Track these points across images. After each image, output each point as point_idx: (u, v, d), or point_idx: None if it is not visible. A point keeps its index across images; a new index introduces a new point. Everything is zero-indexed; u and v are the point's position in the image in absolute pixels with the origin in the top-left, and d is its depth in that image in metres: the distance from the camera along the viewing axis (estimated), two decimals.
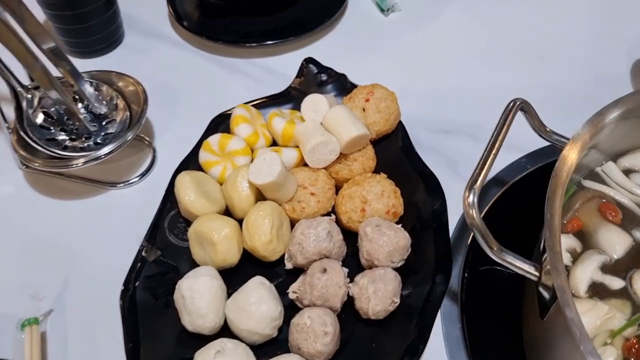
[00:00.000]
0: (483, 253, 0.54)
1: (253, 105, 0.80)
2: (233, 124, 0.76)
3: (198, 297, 0.60)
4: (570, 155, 0.56)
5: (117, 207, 0.77)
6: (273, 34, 0.94)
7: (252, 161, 0.73)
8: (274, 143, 0.77)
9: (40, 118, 0.77)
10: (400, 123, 0.78)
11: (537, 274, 0.53)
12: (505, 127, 0.59)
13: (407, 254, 0.65)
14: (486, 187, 0.75)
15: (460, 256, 0.70)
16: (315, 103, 0.75)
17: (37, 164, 0.74)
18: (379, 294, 0.60)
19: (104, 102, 0.80)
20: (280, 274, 0.68)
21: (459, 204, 0.71)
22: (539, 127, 0.63)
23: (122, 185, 0.79)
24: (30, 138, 0.74)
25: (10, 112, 0.76)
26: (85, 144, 0.77)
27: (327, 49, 0.96)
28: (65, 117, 0.78)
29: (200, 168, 0.75)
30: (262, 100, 0.82)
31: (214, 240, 0.64)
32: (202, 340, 0.61)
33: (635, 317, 0.54)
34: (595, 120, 0.59)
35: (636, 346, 0.53)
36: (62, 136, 0.77)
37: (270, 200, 0.69)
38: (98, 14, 0.90)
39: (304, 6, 1.00)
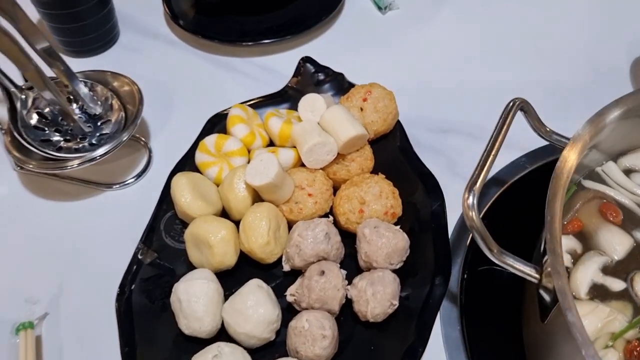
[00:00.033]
0: (482, 253, 0.53)
1: (249, 105, 0.79)
2: (229, 124, 0.75)
3: (194, 301, 0.60)
4: (571, 156, 0.55)
5: (112, 209, 0.76)
6: (270, 32, 0.93)
7: (248, 162, 0.72)
8: (271, 143, 0.76)
9: (34, 119, 0.76)
10: (398, 122, 0.78)
11: (537, 276, 0.52)
12: (505, 127, 0.59)
13: (405, 256, 0.65)
14: (485, 186, 0.75)
15: (459, 257, 0.69)
16: (312, 103, 0.74)
17: (31, 166, 0.73)
18: (377, 296, 0.60)
19: (99, 103, 0.79)
20: (278, 276, 0.67)
21: (458, 204, 0.71)
22: (538, 127, 0.63)
23: (117, 186, 0.78)
24: (25, 139, 0.73)
25: (3, 113, 0.75)
26: (80, 145, 0.76)
27: (324, 47, 0.95)
28: (60, 118, 0.77)
29: (196, 169, 0.74)
30: (258, 100, 0.81)
31: (211, 242, 0.63)
32: (199, 343, 0.61)
33: (636, 319, 0.54)
34: (596, 120, 0.58)
35: (638, 349, 0.52)
36: (56, 137, 0.76)
37: (267, 201, 0.68)
38: (93, 13, 0.89)
39: (301, 4, 0.99)
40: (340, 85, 0.83)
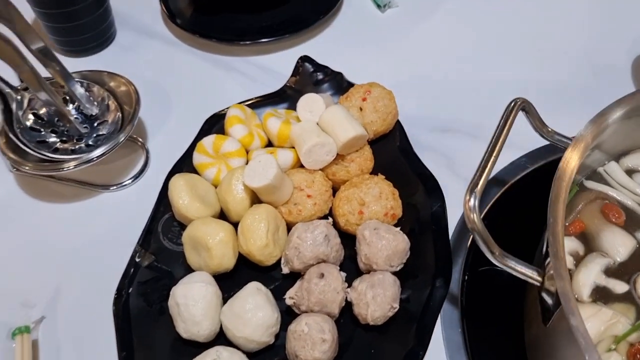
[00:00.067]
0: (483, 254, 0.53)
1: (248, 105, 0.79)
2: (227, 124, 0.74)
3: (193, 304, 0.59)
4: (573, 157, 0.54)
5: (109, 211, 0.75)
6: (268, 31, 0.93)
7: (247, 163, 0.72)
8: (269, 144, 0.76)
9: (30, 120, 0.75)
10: (398, 122, 0.77)
11: (539, 279, 0.52)
12: (506, 128, 0.58)
13: (406, 258, 0.64)
14: (486, 187, 0.73)
15: (460, 258, 0.69)
16: (311, 103, 0.73)
17: (27, 168, 0.72)
18: (377, 299, 0.59)
19: (95, 103, 0.78)
20: (277, 279, 0.66)
21: (458, 204, 0.70)
22: (540, 128, 0.62)
23: (114, 187, 0.77)
24: (20, 141, 0.72)
25: None
26: (77, 146, 0.75)
27: (322, 46, 0.94)
28: (56, 119, 0.76)
29: (194, 170, 0.73)
30: (256, 100, 0.81)
31: (209, 245, 0.63)
32: (197, 347, 0.60)
33: (639, 322, 0.53)
34: (598, 120, 0.58)
35: None
36: (52, 138, 0.75)
37: (266, 203, 0.67)
38: (89, 12, 0.88)
39: (299, 3, 0.98)
40: (339, 84, 0.82)
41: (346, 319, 0.63)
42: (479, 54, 0.93)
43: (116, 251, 0.68)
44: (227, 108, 0.77)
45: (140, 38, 0.97)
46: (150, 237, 0.69)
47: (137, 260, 0.66)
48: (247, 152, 0.74)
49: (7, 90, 0.73)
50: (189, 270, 0.66)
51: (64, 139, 0.75)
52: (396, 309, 0.60)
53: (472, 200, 0.53)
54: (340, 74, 0.82)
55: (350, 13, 1.00)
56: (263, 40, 0.91)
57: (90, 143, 0.76)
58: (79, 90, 0.77)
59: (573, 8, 0.99)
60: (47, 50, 0.73)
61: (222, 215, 0.70)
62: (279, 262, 0.66)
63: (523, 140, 0.74)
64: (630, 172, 0.64)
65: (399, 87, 0.78)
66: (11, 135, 0.72)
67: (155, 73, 0.91)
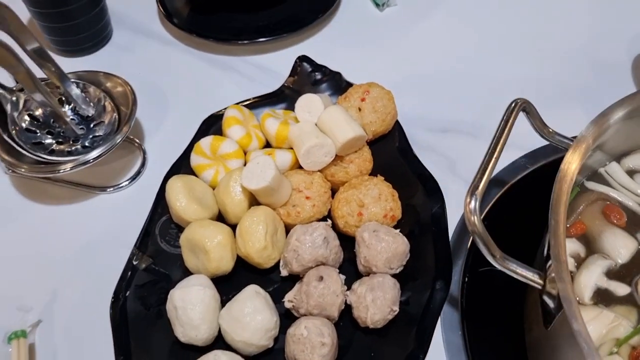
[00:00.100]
0: (484, 256, 0.52)
1: (245, 106, 0.78)
2: (225, 125, 0.74)
3: (191, 308, 0.59)
4: (574, 159, 0.54)
5: (106, 213, 0.74)
6: (266, 30, 0.92)
7: (245, 164, 0.71)
8: (268, 144, 0.75)
9: (25, 121, 0.74)
10: (397, 123, 0.76)
11: (541, 282, 0.51)
12: (507, 129, 0.57)
13: (405, 260, 0.64)
14: (486, 187, 0.74)
15: (460, 260, 0.68)
16: (309, 103, 0.73)
17: (23, 170, 0.71)
18: (377, 302, 0.59)
19: (92, 104, 0.77)
20: (276, 281, 0.66)
21: (458, 205, 0.71)
22: (540, 128, 0.61)
23: (111, 189, 0.76)
24: (16, 142, 0.71)
25: None
26: (73, 148, 0.75)
27: (321, 45, 0.94)
28: (52, 120, 0.76)
29: (191, 171, 0.73)
30: (254, 100, 0.80)
31: (207, 247, 0.62)
32: (195, 351, 0.60)
33: None
34: (600, 121, 0.57)
35: None
36: (48, 140, 0.74)
37: (264, 204, 0.67)
38: (84, 12, 0.87)
39: (296, 2, 0.97)
40: (337, 84, 0.81)
41: (346, 321, 0.62)
42: (478, 53, 0.92)
43: (113, 253, 0.67)
44: (225, 108, 0.76)
45: (137, 38, 0.96)
46: (148, 240, 0.68)
47: (135, 263, 0.66)
48: (245, 153, 0.73)
49: (1, 91, 0.72)
50: (187, 273, 0.65)
51: (60, 140, 0.75)
52: (396, 312, 0.60)
53: (472, 202, 0.52)
54: (338, 73, 0.82)
55: (348, 12, 0.99)
56: (260, 39, 0.90)
57: (87, 144, 0.75)
58: (75, 91, 0.76)
59: (573, 8, 0.98)
60: (42, 51, 0.72)
61: (220, 217, 0.69)
62: (277, 264, 0.65)
63: (523, 140, 0.73)
64: (631, 173, 0.63)
65: (397, 86, 0.77)
66: (6, 137, 0.71)
67: (152, 73, 0.90)
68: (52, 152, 0.73)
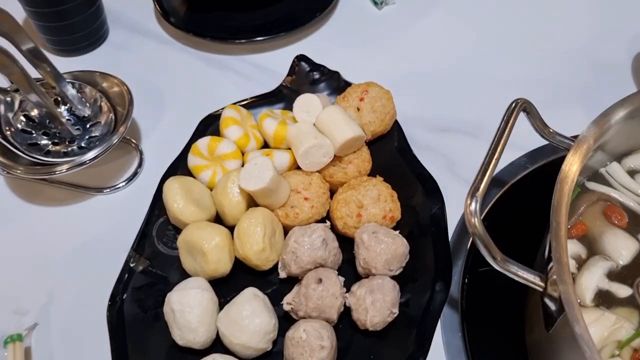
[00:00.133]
0: (484, 257, 0.51)
1: (243, 105, 0.77)
2: (222, 125, 0.73)
3: (188, 311, 0.58)
4: (576, 160, 0.53)
5: (103, 214, 0.74)
6: (263, 29, 0.91)
7: (243, 165, 0.71)
8: (265, 145, 0.74)
9: (21, 122, 0.74)
10: (396, 122, 0.76)
11: (542, 284, 0.51)
12: (507, 129, 0.57)
13: (405, 262, 0.63)
14: None
15: (459, 260, 0.68)
16: (307, 103, 0.72)
17: (19, 171, 0.70)
18: (377, 305, 0.58)
19: (88, 104, 0.77)
20: (274, 283, 0.65)
21: (457, 205, 0.70)
22: (541, 129, 0.61)
23: (108, 190, 0.76)
24: (11, 144, 0.70)
25: None
26: (69, 149, 0.74)
27: (319, 44, 0.93)
28: (47, 121, 0.75)
29: (189, 172, 0.72)
30: (252, 100, 0.79)
31: (205, 249, 0.61)
32: (193, 354, 0.59)
33: None
34: (601, 121, 0.56)
35: None
36: (44, 140, 0.74)
37: (262, 206, 0.66)
38: (80, 11, 0.87)
39: (294, 0, 0.96)
40: (336, 84, 0.80)
41: (345, 324, 0.62)
42: (477, 52, 0.92)
43: (110, 255, 0.67)
44: (222, 108, 0.76)
45: (133, 37, 0.95)
46: (145, 242, 0.67)
47: (132, 265, 0.65)
48: (243, 153, 0.72)
49: None
50: (185, 275, 0.65)
51: (56, 141, 0.74)
52: (396, 314, 0.59)
53: (473, 204, 0.51)
54: (337, 73, 0.81)
55: (346, 10, 0.99)
56: (258, 38, 0.90)
57: (83, 145, 0.74)
58: (71, 91, 0.76)
59: (572, 7, 0.98)
60: (37, 51, 0.72)
61: (218, 219, 0.68)
62: (276, 266, 0.65)
63: (523, 139, 0.72)
64: (632, 173, 0.63)
65: (396, 86, 0.76)
66: (1, 139, 0.70)
67: (149, 72, 0.89)
68: (48, 153, 0.72)
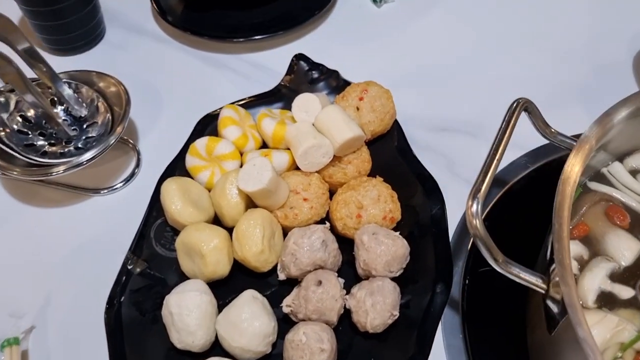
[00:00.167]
0: (484, 257, 0.51)
1: (241, 105, 0.77)
2: (220, 126, 0.72)
3: (187, 314, 0.57)
4: (577, 161, 0.53)
5: (100, 215, 0.73)
6: (261, 28, 0.90)
7: (241, 165, 0.70)
8: (264, 145, 0.74)
9: (17, 123, 0.73)
10: (395, 122, 0.75)
11: (544, 286, 0.50)
12: (509, 129, 0.56)
13: (405, 263, 0.63)
14: None
15: (460, 260, 0.67)
16: (306, 103, 0.71)
17: (15, 173, 0.70)
18: (377, 307, 0.57)
19: (84, 105, 0.76)
20: (273, 284, 0.65)
21: (457, 205, 0.70)
22: (543, 129, 0.60)
23: (105, 191, 0.75)
24: (7, 145, 0.70)
25: None
26: (66, 149, 0.73)
27: (317, 43, 0.92)
28: (44, 121, 0.74)
29: (187, 173, 0.71)
30: (250, 100, 0.78)
31: (203, 251, 0.61)
32: (192, 358, 0.59)
33: None
34: (603, 120, 0.56)
35: None
36: (40, 141, 0.73)
37: (261, 207, 0.65)
38: (77, 9, 0.86)
39: None
40: (335, 83, 0.80)
41: (345, 326, 0.61)
42: (477, 51, 0.91)
43: (107, 257, 0.66)
44: (221, 108, 0.75)
45: (130, 35, 0.94)
46: (143, 243, 0.67)
47: (129, 267, 0.65)
48: (242, 154, 0.72)
49: None
50: (183, 277, 0.64)
51: (53, 141, 0.74)
52: (396, 317, 0.59)
53: (474, 205, 0.51)
54: (336, 72, 0.80)
55: (345, 9, 0.98)
56: (256, 37, 0.89)
57: (80, 146, 0.74)
58: (67, 91, 0.75)
59: (572, 6, 0.97)
60: (33, 51, 0.71)
61: (216, 220, 0.68)
62: (275, 268, 0.64)
63: (523, 139, 0.72)
64: (634, 173, 0.62)
65: (395, 85, 0.76)
66: None
67: (146, 71, 0.88)
68: (44, 154, 0.71)
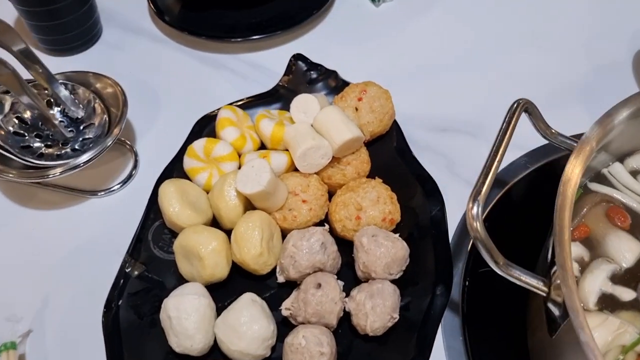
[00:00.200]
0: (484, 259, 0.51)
1: (239, 106, 0.76)
2: (218, 127, 0.72)
3: (185, 318, 0.57)
4: (578, 163, 0.52)
5: (97, 218, 0.72)
6: (259, 28, 0.90)
7: (239, 167, 0.69)
8: (262, 146, 0.73)
9: (14, 124, 0.72)
10: (394, 123, 0.75)
11: (545, 289, 0.50)
12: (509, 130, 0.56)
13: (405, 265, 0.62)
14: None
15: (460, 262, 0.67)
16: (305, 103, 0.71)
17: (11, 175, 0.69)
18: (377, 310, 0.57)
19: (81, 106, 0.75)
20: (272, 287, 0.64)
21: (458, 206, 0.69)
22: (543, 129, 0.60)
23: (102, 193, 0.74)
24: (3, 147, 0.69)
25: None
26: (62, 151, 0.73)
27: (315, 43, 0.92)
28: (40, 123, 0.74)
29: (185, 175, 0.71)
30: (248, 100, 0.78)
31: (201, 254, 0.60)
32: None
33: None
34: (604, 121, 0.55)
35: None
36: (37, 143, 0.72)
37: (259, 209, 0.65)
38: (73, 9, 0.85)
39: None
40: (333, 83, 0.79)
41: (344, 328, 0.61)
42: (477, 49, 0.90)
43: (105, 260, 0.66)
44: (218, 109, 0.74)
45: (127, 35, 0.94)
46: (141, 246, 0.66)
47: (127, 270, 0.64)
48: (240, 155, 0.71)
49: None
50: (181, 280, 0.64)
51: (49, 143, 0.73)
52: (396, 319, 0.58)
53: (475, 208, 0.50)
54: (334, 72, 0.80)
55: (343, 8, 0.97)
56: (254, 37, 0.88)
57: (77, 147, 0.73)
58: (64, 92, 0.74)
59: (572, 6, 0.96)
60: (28, 52, 0.70)
61: (215, 223, 0.67)
62: (274, 270, 0.64)
63: (523, 139, 0.71)
64: (635, 174, 0.62)
65: (395, 85, 0.75)
66: None
67: (143, 71, 0.88)
68: (40, 156, 0.71)
